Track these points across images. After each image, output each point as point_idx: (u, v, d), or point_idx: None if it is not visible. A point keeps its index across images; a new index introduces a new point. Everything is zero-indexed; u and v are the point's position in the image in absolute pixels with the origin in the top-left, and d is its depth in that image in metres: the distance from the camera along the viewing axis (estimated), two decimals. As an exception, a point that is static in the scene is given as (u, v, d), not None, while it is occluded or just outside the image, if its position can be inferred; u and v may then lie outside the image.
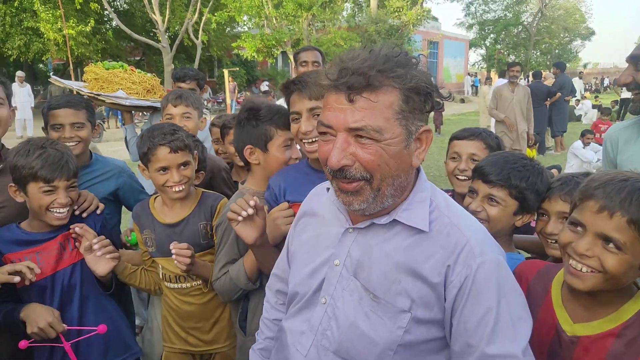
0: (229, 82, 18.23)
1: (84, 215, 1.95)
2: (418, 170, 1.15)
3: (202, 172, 2.27)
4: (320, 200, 1.30)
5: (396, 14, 22.21)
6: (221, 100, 22.31)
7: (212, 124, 2.91)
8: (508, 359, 1.00)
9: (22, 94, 13.13)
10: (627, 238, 1.07)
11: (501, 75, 11.86)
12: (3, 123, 1.97)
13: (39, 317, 1.71)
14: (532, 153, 7.69)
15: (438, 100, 1.07)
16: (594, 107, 17.49)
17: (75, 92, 3.71)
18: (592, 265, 1.12)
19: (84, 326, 1.82)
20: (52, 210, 1.78)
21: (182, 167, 1.91)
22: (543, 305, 1.26)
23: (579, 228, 1.16)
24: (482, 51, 43.35)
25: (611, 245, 1.09)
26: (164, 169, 1.89)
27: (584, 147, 7.82)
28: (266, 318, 1.49)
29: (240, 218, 1.52)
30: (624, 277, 1.11)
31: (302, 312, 1.23)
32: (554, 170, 7.55)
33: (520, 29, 40.03)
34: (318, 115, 1.60)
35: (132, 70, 3.92)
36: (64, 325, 1.75)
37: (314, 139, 1.62)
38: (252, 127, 1.81)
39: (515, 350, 1.00)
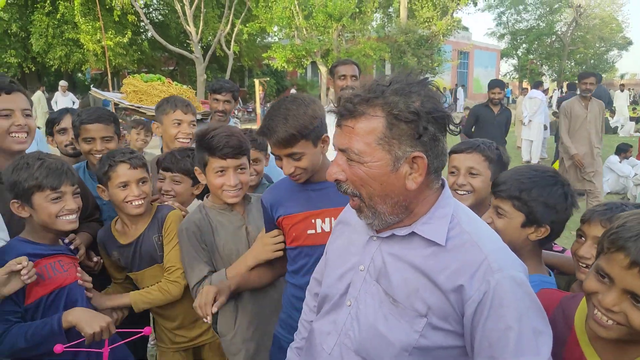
0: (260, 91, 18.52)
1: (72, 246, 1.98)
2: (443, 186, 1.21)
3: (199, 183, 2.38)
4: (354, 211, 1.37)
5: (426, 24, 22.15)
6: (251, 110, 22.68)
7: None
8: None
9: (65, 103, 13.61)
10: None
11: (534, 86, 11.59)
12: (33, 133, 2.08)
13: (95, 318, 1.71)
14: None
15: (431, 127, 1.08)
16: (631, 119, 16.93)
17: (113, 104, 3.86)
18: (617, 320, 1.07)
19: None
20: (61, 217, 1.79)
21: (141, 182, 2.04)
22: (568, 343, 1.22)
23: (605, 279, 1.09)
24: (514, 61, 42.68)
25: None
26: (124, 185, 2.00)
27: (620, 162, 7.60)
28: (304, 319, 1.57)
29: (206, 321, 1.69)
30: None
31: (330, 314, 1.32)
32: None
33: (553, 39, 39.22)
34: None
35: (169, 82, 4.07)
36: (114, 327, 1.75)
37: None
38: (197, 150, 1.98)
39: None
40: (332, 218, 1.74)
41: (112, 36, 18.31)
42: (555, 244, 2.08)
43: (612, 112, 16.35)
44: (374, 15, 23.50)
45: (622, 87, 20.02)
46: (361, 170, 1.12)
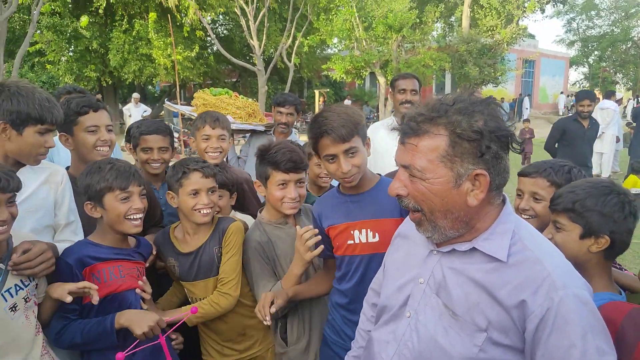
0: (320, 102, 18.82)
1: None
2: (504, 202, 1.22)
3: (234, 192, 2.48)
4: (413, 224, 1.41)
5: (489, 32, 21.53)
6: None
7: None
8: None
9: (138, 113, 14.50)
10: None
11: (606, 96, 10.96)
12: (114, 146, 2.25)
13: (144, 319, 1.78)
14: (633, 178, 7.02)
15: (495, 145, 1.11)
16: None
17: (181, 116, 4.11)
18: None
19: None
20: (129, 217, 1.87)
21: (210, 192, 2.08)
22: (636, 354, 1.20)
23: None
24: (585, 69, 40.46)
25: None
26: (195, 192, 2.04)
27: None
28: (362, 329, 1.63)
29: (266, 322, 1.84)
30: None
31: (389, 324, 1.35)
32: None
33: (629, 45, 36.79)
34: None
35: (236, 96, 4.28)
36: (164, 319, 1.84)
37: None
38: (259, 164, 2.08)
39: None
40: (368, 229, 1.81)
41: (181, 51, 19.27)
42: (626, 269, 2.01)
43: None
44: (435, 25, 23.11)
45: None
46: (423, 186, 1.16)
